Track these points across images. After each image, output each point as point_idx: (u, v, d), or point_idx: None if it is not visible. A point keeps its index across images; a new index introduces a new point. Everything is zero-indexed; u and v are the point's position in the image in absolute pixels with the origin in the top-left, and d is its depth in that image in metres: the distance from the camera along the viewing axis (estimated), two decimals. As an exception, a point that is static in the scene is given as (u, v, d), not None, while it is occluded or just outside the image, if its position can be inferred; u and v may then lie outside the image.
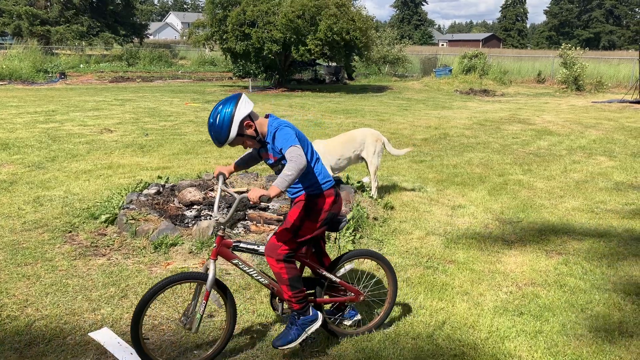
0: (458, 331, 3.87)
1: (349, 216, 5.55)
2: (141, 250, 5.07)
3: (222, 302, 3.35)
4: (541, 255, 5.35)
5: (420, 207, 6.73)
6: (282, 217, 5.96)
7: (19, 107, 15.34)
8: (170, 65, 34.93)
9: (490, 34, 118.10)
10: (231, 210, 3.12)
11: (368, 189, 6.84)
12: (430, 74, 30.29)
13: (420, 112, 16.57)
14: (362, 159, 6.78)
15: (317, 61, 27.50)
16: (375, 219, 6.00)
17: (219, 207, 3.43)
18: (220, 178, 3.45)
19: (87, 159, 9.10)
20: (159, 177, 7.28)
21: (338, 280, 3.60)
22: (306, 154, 3.27)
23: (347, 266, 3.67)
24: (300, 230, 3.31)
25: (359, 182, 7.18)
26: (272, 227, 5.69)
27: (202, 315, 3.26)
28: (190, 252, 5.00)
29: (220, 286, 3.35)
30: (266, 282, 3.46)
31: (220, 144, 3.17)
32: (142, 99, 18.47)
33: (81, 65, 31.05)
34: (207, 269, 3.23)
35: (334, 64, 26.75)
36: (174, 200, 6.46)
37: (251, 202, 2.97)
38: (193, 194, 6.42)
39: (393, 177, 8.25)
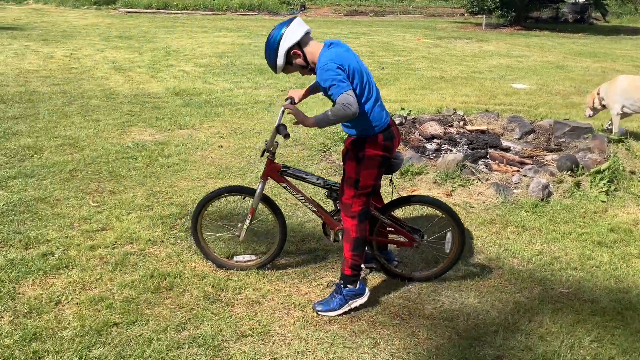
0: None
1: (603, 166, 5.22)
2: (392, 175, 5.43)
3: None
4: None
5: (686, 166, 5.99)
6: (524, 160, 5.84)
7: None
8: (401, 0, 34.90)
9: None
10: (271, 135, 3.37)
11: (626, 140, 6.27)
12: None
13: (687, 59, 14.29)
14: None
15: (561, -3, 25.08)
16: (632, 172, 5.53)
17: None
18: (287, 101, 3.55)
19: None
20: (402, 109, 7.56)
21: (389, 222, 3.49)
22: (355, 88, 3.08)
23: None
24: (360, 182, 3.22)
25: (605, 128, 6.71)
26: (514, 168, 5.62)
27: (247, 227, 3.61)
28: (435, 182, 5.22)
29: (269, 203, 3.62)
30: (315, 209, 3.56)
31: (274, 71, 3.24)
32: (375, 33, 18.94)
33: (319, -2, 32.62)
34: None
35: (581, 0, 24.13)
36: (415, 132, 6.72)
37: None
38: (434, 128, 6.59)
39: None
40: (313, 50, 3.13)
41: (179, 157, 5.86)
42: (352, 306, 3.29)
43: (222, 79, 10.27)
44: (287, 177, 3.56)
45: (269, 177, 3.54)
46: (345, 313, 3.28)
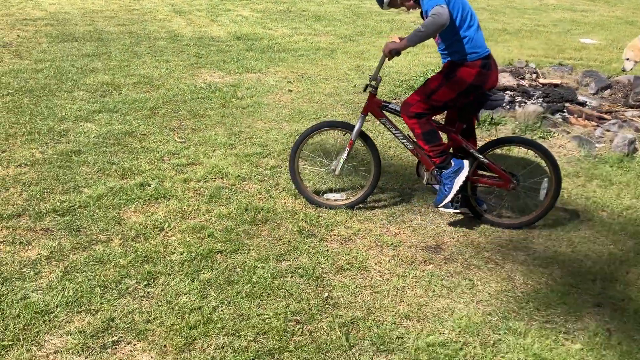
0: None
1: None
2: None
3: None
4: None
5: None
6: (603, 115, 5.69)
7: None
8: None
9: None
10: (377, 67, 3.46)
11: None
12: None
13: None
14: None
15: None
16: None
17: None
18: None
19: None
20: (471, 60, 7.39)
21: (486, 161, 3.50)
22: (456, 18, 3.20)
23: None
24: (435, 95, 3.34)
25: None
26: (593, 123, 5.49)
27: (344, 161, 3.67)
28: (514, 133, 5.14)
29: (366, 140, 3.66)
30: (411, 147, 3.60)
31: (380, 5, 3.37)
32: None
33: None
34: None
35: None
36: (486, 84, 6.59)
37: (384, 55, 3.27)
38: (507, 79, 6.45)
39: None
40: None
41: (251, 100, 5.90)
42: (460, 182, 3.42)
43: (280, 25, 10.18)
44: (386, 113, 3.59)
45: (369, 112, 3.59)
46: (455, 198, 3.49)
